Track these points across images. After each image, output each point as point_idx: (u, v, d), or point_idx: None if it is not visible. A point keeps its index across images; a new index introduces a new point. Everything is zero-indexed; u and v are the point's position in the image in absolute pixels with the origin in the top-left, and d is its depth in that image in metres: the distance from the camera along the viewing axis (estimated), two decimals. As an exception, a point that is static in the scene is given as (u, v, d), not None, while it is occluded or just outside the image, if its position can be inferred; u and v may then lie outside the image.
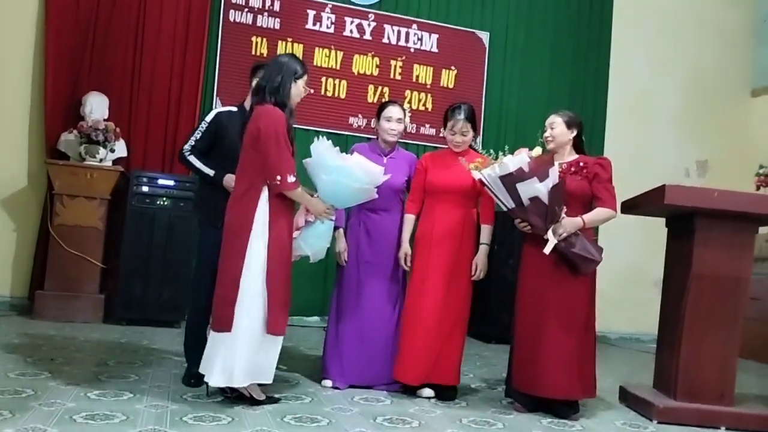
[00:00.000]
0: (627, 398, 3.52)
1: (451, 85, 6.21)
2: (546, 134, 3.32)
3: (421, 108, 6.12)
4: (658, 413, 3.16)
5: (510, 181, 3.00)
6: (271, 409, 2.84)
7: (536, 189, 2.97)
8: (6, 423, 2.34)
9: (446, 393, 3.31)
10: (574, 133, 3.31)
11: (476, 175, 3.15)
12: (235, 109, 3.28)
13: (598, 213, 3.14)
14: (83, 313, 4.76)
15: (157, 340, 4.27)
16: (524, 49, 6.46)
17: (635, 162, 6.65)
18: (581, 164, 3.22)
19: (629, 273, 6.57)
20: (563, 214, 3.05)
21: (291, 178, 2.82)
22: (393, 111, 3.52)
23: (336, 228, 3.33)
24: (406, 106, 6.01)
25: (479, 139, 6.23)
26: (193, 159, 3.21)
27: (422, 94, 6.14)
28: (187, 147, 3.24)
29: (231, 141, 3.13)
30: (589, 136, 6.52)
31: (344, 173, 2.96)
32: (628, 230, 6.29)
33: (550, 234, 3.03)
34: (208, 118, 3.27)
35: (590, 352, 3.20)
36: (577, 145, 3.34)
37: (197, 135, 3.24)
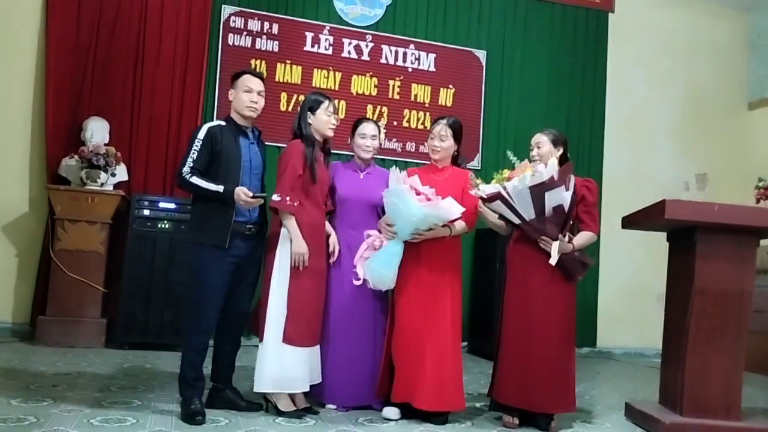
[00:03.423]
0: (633, 414, 3.50)
1: (449, 104, 6.25)
2: (533, 153, 3.37)
3: (420, 127, 6.14)
4: (665, 429, 3.13)
5: (539, 190, 3.06)
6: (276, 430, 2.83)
7: (563, 197, 3.10)
8: (9, 451, 2.33)
9: (435, 419, 3.14)
10: (561, 151, 3.37)
11: (489, 189, 3.16)
12: (223, 123, 3.16)
13: (583, 237, 3.26)
14: (85, 338, 4.74)
15: (160, 364, 4.25)
16: (521, 66, 6.51)
17: (634, 176, 6.69)
18: None
19: (631, 287, 6.56)
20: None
21: (276, 197, 3.08)
22: (367, 128, 3.52)
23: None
24: (404, 124, 6.08)
25: (478, 156, 6.29)
26: (195, 180, 3.00)
27: (420, 113, 6.17)
28: (185, 169, 3.01)
29: (228, 155, 3.06)
30: (587, 152, 6.63)
31: (398, 196, 3.09)
32: (630, 245, 6.30)
33: (557, 244, 3.09)
34: (200, 135, 3.05)
35: (573, 365, 3.26)
36: (563, 163, 3.37)
37: (193, 155, 3.02)
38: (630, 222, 3.66)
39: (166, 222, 4.94)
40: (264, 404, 3.16)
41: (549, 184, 3.05)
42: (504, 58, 6.46)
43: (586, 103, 6.68)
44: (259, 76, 3.22)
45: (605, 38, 6.80)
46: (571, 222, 3.20)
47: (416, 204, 3.06)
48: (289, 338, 3.05)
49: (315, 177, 3.14)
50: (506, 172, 3.21)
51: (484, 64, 6.38)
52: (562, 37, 6.65)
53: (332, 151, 3.50)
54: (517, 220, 3.19)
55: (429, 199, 3.12)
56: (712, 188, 6.91)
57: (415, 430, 3.03)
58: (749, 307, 3.24)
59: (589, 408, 3.83)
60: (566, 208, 3.13)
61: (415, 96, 6.18)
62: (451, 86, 6.28)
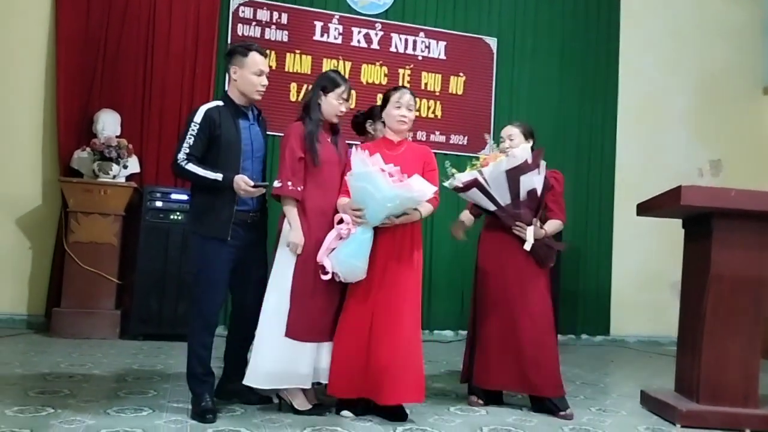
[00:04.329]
0: (648, 402, 3.48)
1: (459, 92, 6.21)
2: (505, 145, 3.42)
3: (431, 115, 6.11)
4: (681, 417, 3.11)
5: (515, 174, 3.14)
6: (291, 421, 2.83)
7: (536, 181, 3.16)
8: (28, 442, 2.35)
9: (395, 414, 2.95)
10: (531, 142, 3.44)
11: (465, 177, 3.20)
12: (221, 103, 2.96)
13: (552, 224, 3.35)
14: (100, 329, 4.77)
15: (174, 354, 4.27)
16: (532, 53, 6.45)
17: (647, 163, 6.64)
18: None
19: (645, 275, 6.52)
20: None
21: (277, 183, 2.92)
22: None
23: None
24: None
25: (489, 145, 6.23)
26: (192, 167, 2.82)
27: (431, 102, 6.14)
28: (181, 155, 2.82)
29: (228, 139, 2.88)
30: (600, 139, 6.58)
31: (367, 179, 2.84)
32: (643, 232, 6.26)
33: (532, 229, 3.19)
34: (197, 118, 2.85)
35: (557, 349, 3.32)
36: None
37: (190, 140, 2.83)
38: (645, 209, 3.62)
39: (178, 213, 4.96)
40: (278, 402, 3.01)
41: (524, 167, 3.15)
42: (515, 45, 6.41)
43: (598, 90, 6.62)
44: (265, 54, 3.04)
45: (617, 23, 6.73)
46: (540, 211, 3.28)
47: (389, 186, 2.83)
48: (291, 332, 2.87)
49: (316, 158, 2.93)
50: (482, 158, 3.29)
51: (494, 51, 6.33)
52: (573, 23, 6.58)
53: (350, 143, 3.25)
54: (492, 207, 3.26)
55: (400, 180, 2.88)
56: (727, 174, 6.82)
57: (429, 418, 3.01)
58: (767, 293, 3.20)
59: (603, 396, 3.82)
60: (539, 192, 3.21)
61: (426, 84, 6.14)
62: (461, 74, 6.24)
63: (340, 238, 2.88)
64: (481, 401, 3.33)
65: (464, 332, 5.80)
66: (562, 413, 3.19)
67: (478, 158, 3.37)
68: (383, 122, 3.19)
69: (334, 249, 2.88)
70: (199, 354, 2.91)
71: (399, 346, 2.90)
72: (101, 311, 4.82)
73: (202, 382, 2.89)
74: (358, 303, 2.95)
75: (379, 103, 3.34)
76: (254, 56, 2.96)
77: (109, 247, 4.87)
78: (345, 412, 2.95)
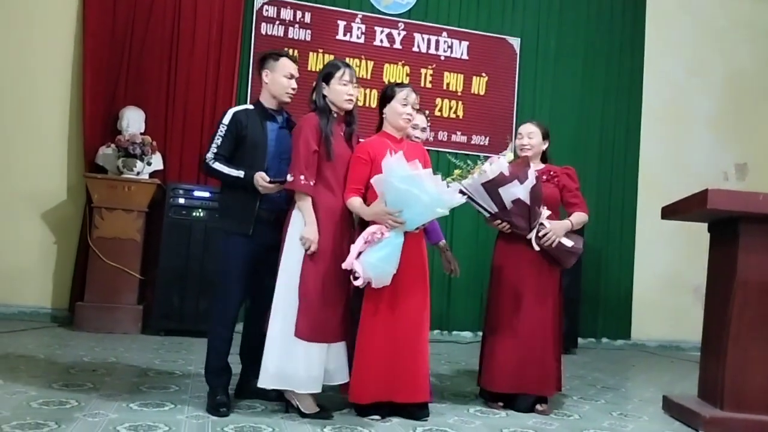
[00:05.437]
0: (671, 408, 3.44)
1: (482, 92, 6.18)
2: (524, 142, 3.44)
3: (452, 116, 6.10)
4: (705, 424, 3.07)
5: (492, 186, 3.12)
6: (310, 419, 2.83)
7: (517, 191, 3.12)
8: (53, 434, 2.38)
9: (417, 412, 2.97)
10: (547, 144, 3.49)
11: (454, 186, 3.14)
12: (251, 107, 3.09)
13: (579, 217, 3.35)
14: (122, 324, 4.83)
15: (195, 350, 4.30)
16: (556, 53, 6.40)
17: (671, 165, 6.56)
18: (551, 173, 3.40)
19: (667, 279, 6.45)
20: (546, 217, 3.21)
21: (289, 177, 2.83)
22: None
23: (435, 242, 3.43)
24: (437, 113, 6.02)
25: (511, 145, 6.19)
26: (218, 166, 2.93)
27: (453, 102, 6.12)
28: (209, 155, 2.95)
29: (253, 140, 2.97)
30: (623, 141, 6.52)
31: (414, 183, 2.75)
32: (666, 235, 6.20)
33: (533, 234, 3.19)
34: (226, 120, 2.99)
35: (560, 350, 3.41)
36: (545, 155, 3.52)
37: (218, 141, 2.96)
38: (670, 212, 3.58)
39: (200, 210, 5.00)
40: (284, 404, 2.94)
41: (500, 181, 3.10)
42: (538, 45, 6.37)
43: (622, 92, 6.55)
44: (295, 60, 3.16)
45: (642, 24, 6.65)
46: (547, 218, 3.22)
47: (438, 191, 2.80)
48: (300, 332, 2.81)
49: (330, 153, 2.89)
50: (466, 169, 3.21)
51: (518, 51, 6.30)
52: (597, 23, 6.52)
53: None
54: (486, 213, 3.27)
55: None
56: (752, 178, 6.74)
57: (449, 419, 3.01)
58: (794, 299, 3.15)
59: (625, 401, 3.78)
60: (526, 201, 3.14)
61: (448, 84, 6.12)
62: (484, 74, 6.21)
63: (370, 243, 2.80)
64: (500, 403, 3.30)
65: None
66: (539, 408, 3.25)
67: (460, 166, 3.23)
68: (383, 116, 3.14)
69: (361, 253, 2.80)
70: (217, 348, 2.95)
71: (422, 349, 2.98)
72: (124, 306, 4.88)
73: (219, 376, 2.93)
74: (382, 308, 2.90)
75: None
76: (285, 61, 3.08)
77: (133, 242, 4.93)
78: (374, 416, 2.90)
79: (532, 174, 3.15)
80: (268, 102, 3.09)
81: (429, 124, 3.91)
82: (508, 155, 3.22)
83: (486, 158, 3.28)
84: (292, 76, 3.06)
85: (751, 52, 6.96)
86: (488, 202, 3.19)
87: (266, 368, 2.82)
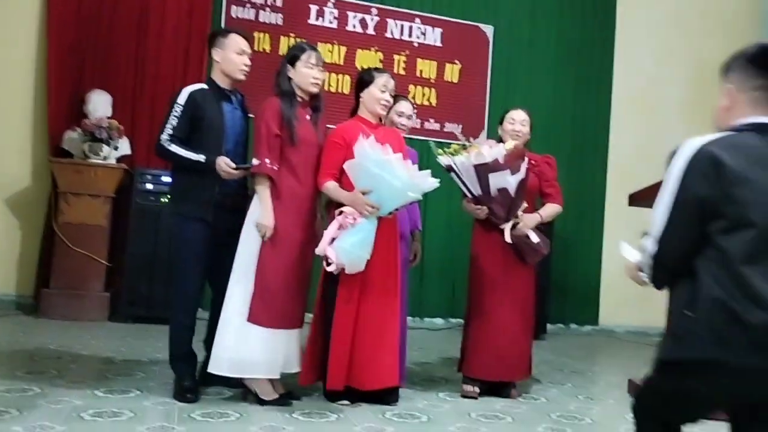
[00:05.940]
0: (635, 391, 3.49)
1: (455, 80, 6.19)
2: (516, 128, 3.42)
3: (426, 103, 6.09)
4: (668, 406, 3.13)
5: (483, 170, 3.12)
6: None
7: (507, 181, 3.12)
8: (14, 421, 2.33)
9: (387, 397, 2.97)
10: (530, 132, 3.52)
11: (444, 160, 3.21)
12: (205, 86, 2.96)
13: (550, 209, 3.40)
14: (89, 311, 4.75)
15: (163, 337, 4.17)
16: (529, 42, 6.43)
17: (641, 153, 6.63)
18: (532, 162, 3.34)
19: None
20: (522, 210, 3.25)
21: (255, 161, 2.77)
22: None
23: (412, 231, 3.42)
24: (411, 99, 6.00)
25: (483, 134, 6.23)
26: (175, 148, 2.81)
27: (426, 89, 6.12)
28: (164, 136, 2.82)
29: (210, 121, 2.87)
30: (594, 128, 6.56)
31: (385, 168, 2.75)
32: (634, 223, 6.26)
33: (508, 225, 3.19)
34: (181, 99, 2.86)
35: (532, 336, 3.47)
36: (527, 144, 3.50)
37: (173, 121, 2.84)
38: (637, 199, 3.62)
39: (168, 196, 4.87)
40: (242, 391, 2.87)
41: (493, 166, 3.10)
42: (512, 33, 6.38)
43: (593, 79, 6.62)
44: (246, 36, 3.03)
45: (613, 14, 6.72)
46: (522, 210, 3.25)
47: (409, 176, 2.79)
48: (255, 317, 2.74)
49: (294, 137, 2.80)
50: (468, 146, 3.23)
51: (491, 39, 6.31)
52: (570, 12, 6.56)
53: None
54: (468, 194, 3.26)
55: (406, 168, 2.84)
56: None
57: (419, 404, 3.02)
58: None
59: (591, 384, 3.84)
60: (512, 192, 3.14)
61: (421, 71, 6.11)
62: (457, 62, 6.21)
63: (343, 228, 2.78)
64: (476, 390, 3.25)
65: (454, 320, 5.84)
66: (514, 391, 3.30)
67: (464, 145, 3.27)
68: (359, 100, 3.10)
69: (335, 239, 2.77)
70: (180, 334, 2.90)
71: (391, 335, 2.95)
72: (90, 293, 4.80)
73: (184, 363, 2.89)
74: (355, 294, 2.89)
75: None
76: (234, 37, 2.98)
77: (99, 228, 4.84)
78: (343, 402, 2.90)
79: (524, 167, 3.17)
80: (221, 81, 2.97)
81: (415, 111, 3.86)
82: (509, 143, 3.21)
83: (466, 144, 3.27)
84: (243, 52, 2.96)
85: (720, 40, 7.00)
86: (474, 184, 3.18)
87: (219, 354, 2.75)
